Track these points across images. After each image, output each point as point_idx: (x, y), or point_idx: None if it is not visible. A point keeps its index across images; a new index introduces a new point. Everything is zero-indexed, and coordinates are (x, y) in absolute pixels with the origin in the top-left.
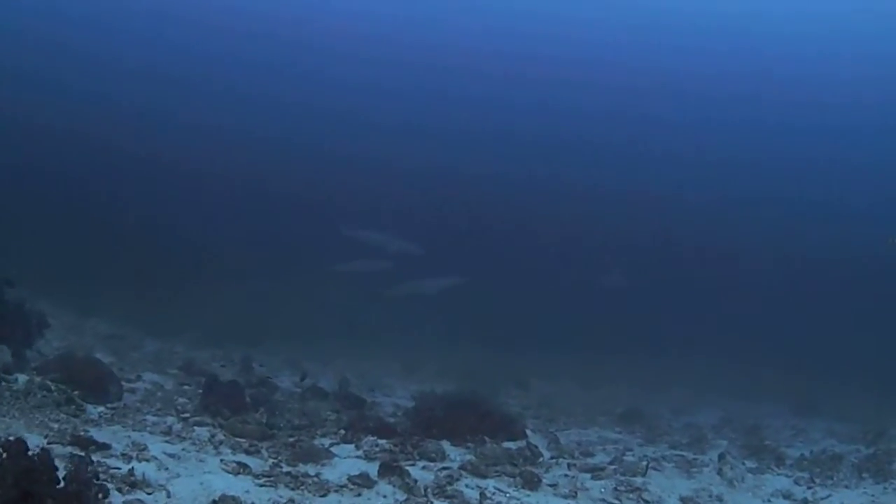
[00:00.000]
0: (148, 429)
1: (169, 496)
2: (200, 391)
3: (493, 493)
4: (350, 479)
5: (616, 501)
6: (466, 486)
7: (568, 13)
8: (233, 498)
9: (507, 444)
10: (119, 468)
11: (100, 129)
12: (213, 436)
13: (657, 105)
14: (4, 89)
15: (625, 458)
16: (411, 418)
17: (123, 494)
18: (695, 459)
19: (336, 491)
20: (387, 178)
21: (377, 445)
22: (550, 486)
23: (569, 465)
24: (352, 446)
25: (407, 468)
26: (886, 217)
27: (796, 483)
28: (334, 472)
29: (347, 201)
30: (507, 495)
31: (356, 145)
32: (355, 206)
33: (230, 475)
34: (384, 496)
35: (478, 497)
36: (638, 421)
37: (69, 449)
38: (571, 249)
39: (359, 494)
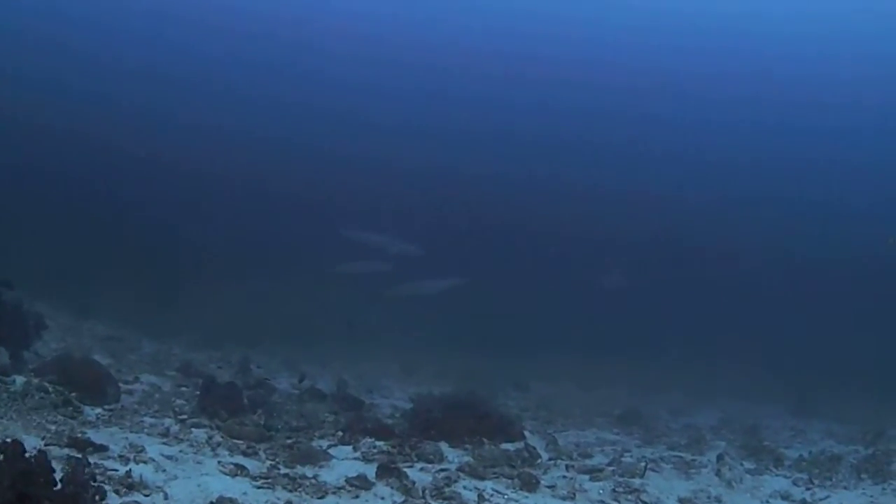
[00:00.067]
0: (145, 430)
1: (166, 498)
2: (198, 393)
3: (492, 495)
4: (348, 480)
5: (614, 503)
6: (464, 487)
7: (568, 13)
8: (230, 500)
9: (505, 446)
10: (116, 470)
11: (98, 129)
12: (210, 437)
13: (657, 105)
14: (2, 89)
15: (623, 459)
16: (409, 420)
17: (121, 496)
18: (693, 460)
19: (334, 493)
20: (386, 179)
21: (375, 447)
22: (549, 487)
23: (567, 467)
24: (350, 448)
25: (405, 470)
26: (885, 217)
27: (795, 484)
28: (332, 473)
29: (347, 202)
30: (506, 497)
31: (356, 146)
32: (355, 206)
33: (228, 477)
34: (382, 498)
35: (476, 499)
36: (636, 422)
37: (66, 451)
38: (570, 250)
39: (356, 496)
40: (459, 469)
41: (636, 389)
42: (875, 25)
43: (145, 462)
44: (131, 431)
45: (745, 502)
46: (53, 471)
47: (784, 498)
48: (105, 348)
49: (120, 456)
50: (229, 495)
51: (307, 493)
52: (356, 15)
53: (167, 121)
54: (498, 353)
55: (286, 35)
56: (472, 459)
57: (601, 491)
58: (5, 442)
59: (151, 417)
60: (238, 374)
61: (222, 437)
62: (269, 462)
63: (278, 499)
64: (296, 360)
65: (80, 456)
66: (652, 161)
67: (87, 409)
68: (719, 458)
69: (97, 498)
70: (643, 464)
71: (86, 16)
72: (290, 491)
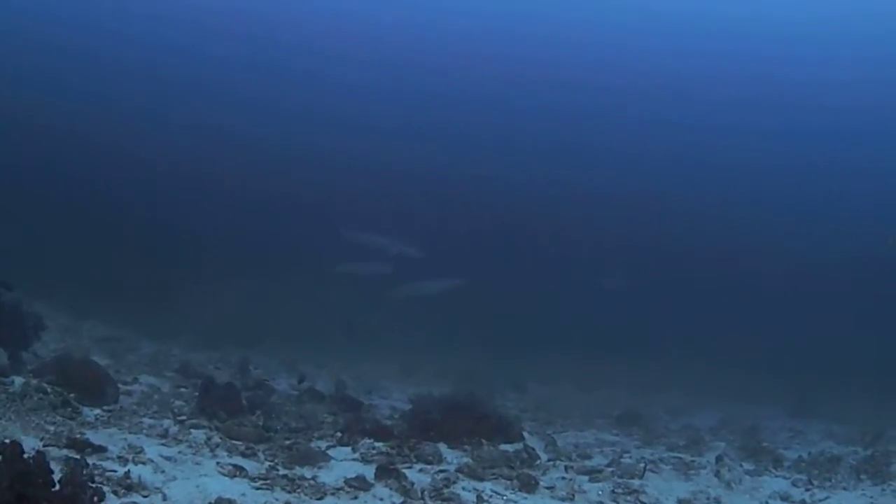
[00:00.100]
0: (144, 431)
1: (165, 499)
2: (197, 394)
3: (490, 496)
4: (346, 481)
5: None
6: (463, 488)
7: (568, 16)
8: (229, 501)
9: (504, 447)
10: (115, 471)
11: (97, 130)
12: (209, 438)
13: (657, 107)
14: (2, 89)
15: (622, 460)
16: (408, 421)
17: (119, 497)
18: (692, 461)
19: (332, 494)
20: (386, 180)
21: (374, 448)
22: (548, 488)
23: (566, 468)
24: (348, 449)
25: (404, 471)
26: (884, 219)
27: (794, 485)
28: (331, 474)
29: (347, 203)
30: (504, 498)
31: (356, 147)
32: (355, 208)
33: (226, 478)
34: (381, 499)
35: (474, 500)
36: (635, 423)
37: (65, 451)
38: (569, 251)
39: (355, 497)
40: (458, 470)
41: (635, 390)
42: (874, 27)
43: (144, 463)
44: (130, 432)
45: (745, 503)
46: (52, 472)
47: (783, 499)
48: (104, 349)
49: (118, 457)
50: (228, 496)
51: (306, 494)
52: (357, 17)
53: (167, 122)
54: (497, 354)
55: (287, 37)
56: (470, 460)
57: (600, 492)
58: (4, 443)
59: (150, 418)
60: (237, 375)
61: (221, 437)
62: (267, 463)
63: (277, 500)
64: (295, 361)
65: (78, 457)
66: (652, 163)
67: (85, 409)
68: (718, 459)
69: (95, 499)
70: (642, 465)
71: (86, 16)
72: (289, 492)
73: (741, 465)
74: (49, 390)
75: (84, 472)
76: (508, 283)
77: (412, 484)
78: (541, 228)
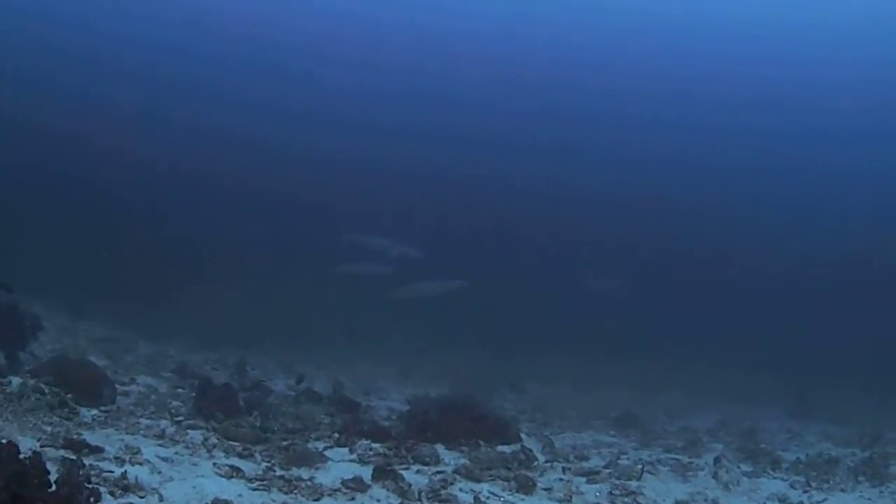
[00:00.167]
0: (141, 432)
1: (161, 500)
2: (194, 394)
3: (488, 498)
4: (344, 482)
5: None
6: (461, 490)
7: (568, 17)
8: (225, 502)
9: (501, 448)
10: (112, 471)
11: (95, 131)
12: (206, 439)
13: (657, 109)
14: (1, 90)
15: (620, 461)
16: (405, 422)
17: (116, 498)
18: (690, 463)
19: (329, 495)
20: (386, 181)
21: (371, 449)
22: (545, 489)
23: (563, 469)
24: (346, 450)
25: (401, 472)
26: (882, 221)
27: (792, 487)
28: (328, 475)
29: (346, 204)
30: (502, 499)
31: (356, 148)
32: (354, 208)
33: (223, 479)
34: (378, 500)
35: (472, 501)
36: (633, 424)
37: (62, 452)
38: (567, 252)
39: (352, 498)
40: (455, 471)
41: (633, 392)
42: (874, 28)
43: (141, 464)
44: (127, 433)
45: None
46: (48, 472)
47: (781, 501)
48: (101, 349)
49: (115, 457)
50: (225, 497)
51: (303, 496)
52: (357, 18)
53: (165, 123)
54: (496, 355)
55: (287, 38)
56: (468, 462)
57: (598, 493)
58: (0, 443)
59: (147, 419)
60: (234, 376)
61: (218, 438)
62: (264, 464)
63: (273, 501)
64: (292, 362)
65: (75, 457)
66: (649, 164)
67: (82, 410)
68: (716, 460)
69: (92, 499)
70: (640, 466)
71: (86, 16)
72: (286, 493)
73: (739, 467)
74: (46, 391)
75: (80, 472)
76: (505, 284)
77: (409, 485)
78: (540, 229)
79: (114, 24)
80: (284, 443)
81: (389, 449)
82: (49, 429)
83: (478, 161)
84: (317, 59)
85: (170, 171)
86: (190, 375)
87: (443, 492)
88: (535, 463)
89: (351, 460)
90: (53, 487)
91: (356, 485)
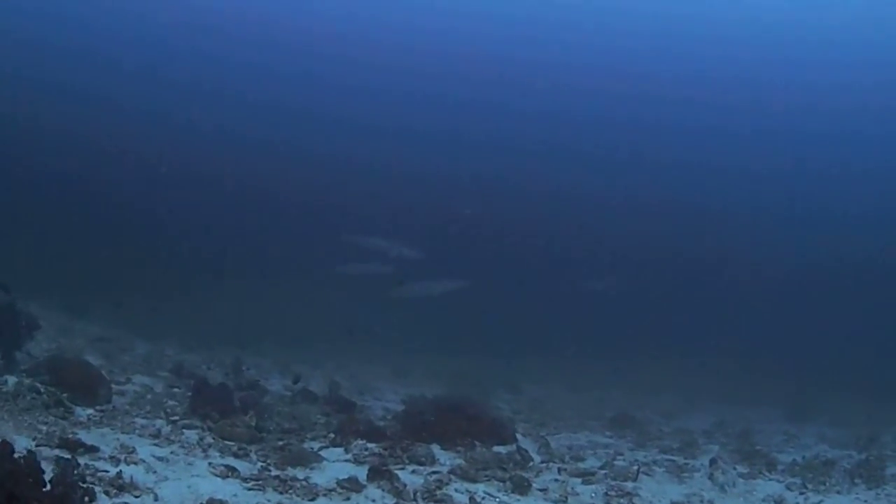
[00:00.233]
0: (137, 431)
1: (156, 499)
2: (190, 394)
3: (483, 498)
4: (339, 482)
5: None
6: (456, 490)
7: (568, 18)
8: (220, 501)
9: (497, 449)
10: (107, 471)
11: (93, 131)
12: (201, 439)
13: (657, 110)
14: (1, 90)
15: (615, 462)
16: (401, 422)
17: (111, 497)
18: (686, 464)
19: (325, 495)
20: (385, 182)
21: (366, 449)
22: (540, 490)
23: (559, 470)
24: (341, 450)
25: (396, 472)
26: (879, 223)
27: (788, 488)
28: (323, 475)
29: (346, 205)
30: (497, 500)
31: (355, 149)
32: (354, 209)
33: (218, 478)
34: (373, 500)
35: (467, 501)
36: (629, 425)
37: (57, 451)
38: (565, 254)
39: (347, 498)
40: (451, 472)
41: (629, 393)
42: (873, 30)
43: (136, 463)
44: (122, 432)
45: None
46: (43, 471)
47: (777, 502)
48: (97, 349)
49: (111, 457)
50: (220, 497)
51: (298, 495)
52: (357, 19)
53: (164, 124)
54: (490, 356)
55: (287, 38)
56: (463, 462)
57: (593, 494)
58: None
59: (143, 418)
60: (230, 376)
61: (213, 438)
62: (260, 464)
63: (269, 500)
64: (288, 362)
65: (70, 457)
66: (647, 167)
67: (78, 409)
68: (712, 462)
69: (86, 499)
70: (636, 467)
71: (86, 16)
72: (281, 493)
73: (735, 469)
74: (42, 390)
75: (75, 471)
76: (502, 285)
77: (405, 485)
78: (536, 230)
79: (114, 24)
80: (280, 443)
81: (385, 449)
82: (44, 428)
83: (477, 161)
84: (317, 59)
85: (169, 171)
86: (186, 375)
87: (438, 492)
88: (531, 463)
89: (346, 460)
90: (48, 487)
91: (351, 485)
